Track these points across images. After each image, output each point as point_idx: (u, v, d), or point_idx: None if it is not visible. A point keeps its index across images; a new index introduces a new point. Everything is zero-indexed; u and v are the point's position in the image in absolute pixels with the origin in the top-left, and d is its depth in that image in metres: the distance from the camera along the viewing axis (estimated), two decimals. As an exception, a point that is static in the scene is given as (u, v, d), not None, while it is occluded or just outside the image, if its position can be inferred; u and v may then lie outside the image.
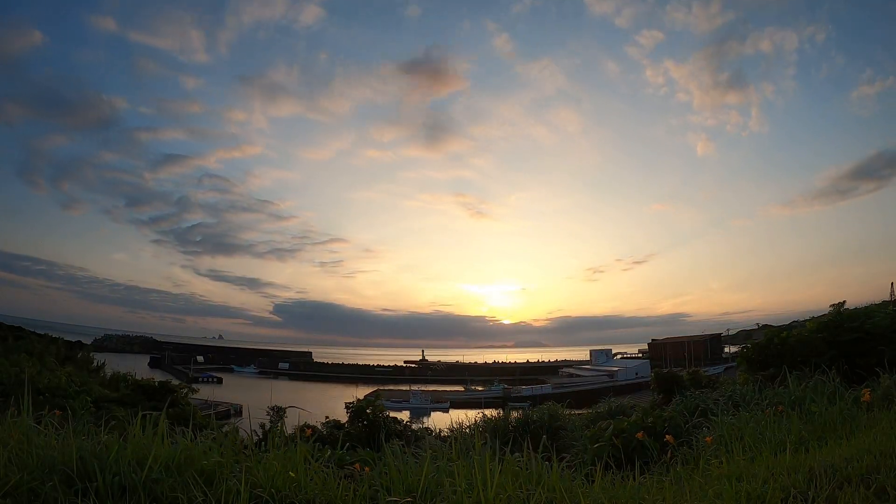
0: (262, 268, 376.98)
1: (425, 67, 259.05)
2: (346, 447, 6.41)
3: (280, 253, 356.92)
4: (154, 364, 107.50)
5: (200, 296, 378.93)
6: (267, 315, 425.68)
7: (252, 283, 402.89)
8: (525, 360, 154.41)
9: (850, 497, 3.14)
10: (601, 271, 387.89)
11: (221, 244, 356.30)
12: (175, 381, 25.68)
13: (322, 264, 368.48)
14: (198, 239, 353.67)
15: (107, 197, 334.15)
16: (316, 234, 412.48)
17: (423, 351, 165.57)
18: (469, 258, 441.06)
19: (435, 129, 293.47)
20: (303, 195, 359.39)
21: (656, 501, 3.40)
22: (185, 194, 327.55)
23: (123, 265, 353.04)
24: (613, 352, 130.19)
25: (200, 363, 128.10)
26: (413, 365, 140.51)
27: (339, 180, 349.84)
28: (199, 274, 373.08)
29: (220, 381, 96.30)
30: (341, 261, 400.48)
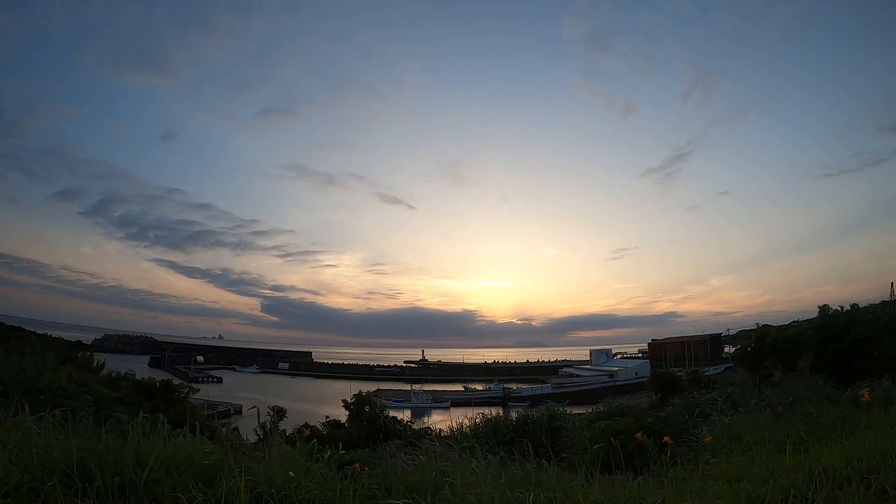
0: (228, 263, 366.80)
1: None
2: (345, 447, 6.41)
3: (234, 247, 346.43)
4: (154, 364, 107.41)
5: (189, 297, 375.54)
6: (258, 314, 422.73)
7: (229, 281, 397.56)
8: (525, 360, 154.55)
9: (849, 497, 3.15)
10: (579, 265, 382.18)
11: (166, 238, 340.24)
12: (176, 381, 25.67)
13: (281, 258, 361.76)
14: (134, 231, 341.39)
15: (39, 187, 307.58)
16: (250, 223, 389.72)
17: (423, 351, 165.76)
18: (433, 251, 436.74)
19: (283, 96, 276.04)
20: (199, 177, 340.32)
21: (656, 502, 3.40)
22: (90, 183, 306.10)
23: (96, 261, 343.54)
24: (613, 352, 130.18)
25: (200, 363, 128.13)
26: (413, 365, 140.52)
27: (231, 157, 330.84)
28: (177, 272, 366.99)
29: (220, 380, 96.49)
30: (297, 253, 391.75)
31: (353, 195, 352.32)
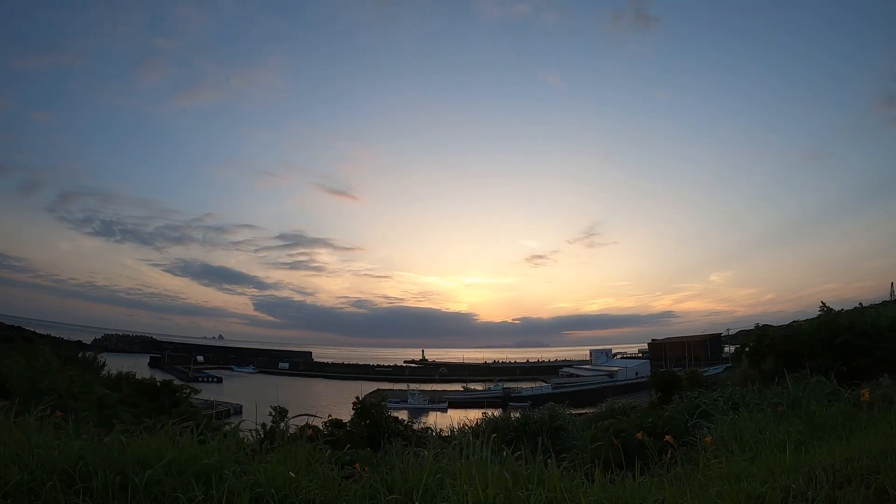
0: (203, 258, 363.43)
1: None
2: (347, 447, 6.42)
3: (202, 243, 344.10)
4: (154, 364, 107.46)
5: (182, 296, 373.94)
6: (253, 314, 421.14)
7: (213, 278, 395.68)
8: (525, 360, 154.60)
9: (849, 497, 3.15)
10: (566, 259, 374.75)
11: (132, 233, 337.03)
12: (176, 381, 25.67)
13: (252, 253, 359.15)
14: (98, 226, 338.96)
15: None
16: (205, 217, 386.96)
17: (423, 351, 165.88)
18: (405, 246, 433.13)
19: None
20: (130, 168, 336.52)
21: (656, 501, 3.40)
22: (38, 177, 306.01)
23: (80, 258, 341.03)
24: (613, 352, 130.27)
25: (200, 363, 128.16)
26: (413, 365, 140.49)
27: (151, 144, 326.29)
28: (162, 270, 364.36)
29: (219, 380, 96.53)
30: (267, 249, 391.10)
31: (294, 186, 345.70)
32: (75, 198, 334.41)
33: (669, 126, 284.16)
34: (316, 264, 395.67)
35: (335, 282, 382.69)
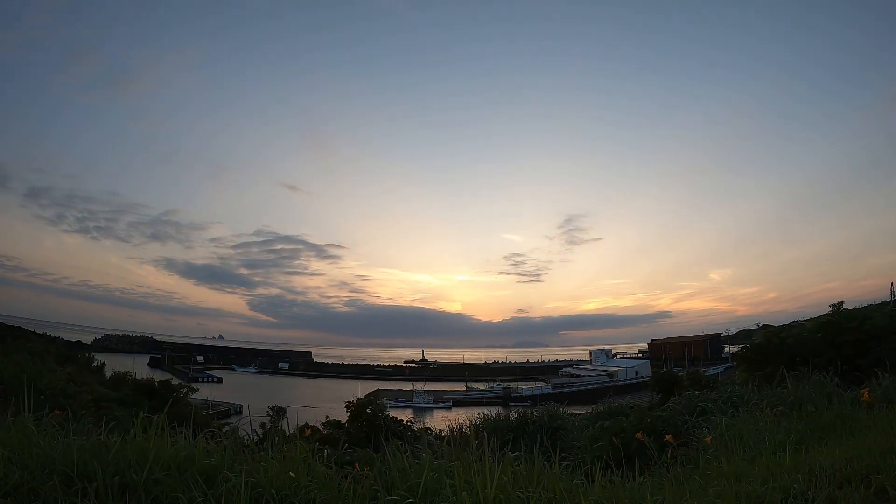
0: (183, 256, 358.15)
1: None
2: (345, 447, 6.41)
3: (178, 241, 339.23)
4: (154, 364, 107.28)
5: (178, 296, 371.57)
6: (251, 313, 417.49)
7: (202, 277, 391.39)
8: (525, 360, 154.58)
9: (850, 497, 3.15)
10: (554, 255, 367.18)
11: (107, 230, 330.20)
12: (175, 381, 25.68)
13: (232, 249, 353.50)
14: (75, 222, 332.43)
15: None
16: (174, 212, 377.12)
17: (423, 351, 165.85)
18: (382, 240, 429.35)
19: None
20: (88, 160, 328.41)
21: (656, 501, 3.39)
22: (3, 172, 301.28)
23: (67, 256, 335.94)
24: (613, 352, 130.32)
25: (200, 363, 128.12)
26: (413, 365, 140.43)
27: (99, 136, 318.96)
28: (154, 269, 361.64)
29: (220, 380, 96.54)
30: (244, 245, 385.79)
31: (259, 182, 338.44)
32: (43, 193, 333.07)
33: (661, 113, 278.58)
34: (299, 261, 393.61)
35: (325, 280, 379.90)
